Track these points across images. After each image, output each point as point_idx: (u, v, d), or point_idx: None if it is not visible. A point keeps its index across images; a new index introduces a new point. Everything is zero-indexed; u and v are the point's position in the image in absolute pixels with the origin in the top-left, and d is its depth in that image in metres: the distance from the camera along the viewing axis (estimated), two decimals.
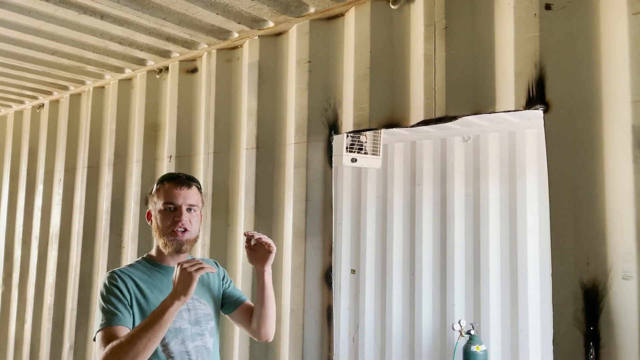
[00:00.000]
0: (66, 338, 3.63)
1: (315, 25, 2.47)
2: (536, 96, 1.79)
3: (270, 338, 2.00)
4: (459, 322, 4.18)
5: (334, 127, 2.41)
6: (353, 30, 2.35)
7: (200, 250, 2.82)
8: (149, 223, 1.91)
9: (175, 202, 1.82)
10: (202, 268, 1.64)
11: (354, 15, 2.34)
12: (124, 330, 1.64)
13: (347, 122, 2.35)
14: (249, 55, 2.74)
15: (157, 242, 1.86)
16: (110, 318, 1.65)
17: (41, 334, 3.87)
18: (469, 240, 4.42)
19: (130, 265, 1.86)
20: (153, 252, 1.90)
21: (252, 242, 1.94)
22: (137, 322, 1.70)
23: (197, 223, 1.88)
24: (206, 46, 2.89)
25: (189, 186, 1.87)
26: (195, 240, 1.88)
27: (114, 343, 1.57)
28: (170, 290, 1.75)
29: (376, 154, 3.95)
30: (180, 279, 1.62)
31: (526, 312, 4.03)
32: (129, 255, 3.26)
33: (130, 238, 3.28)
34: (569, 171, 1.71)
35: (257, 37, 2.69)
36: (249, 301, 2.07)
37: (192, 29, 2.63)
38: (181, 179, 1.87)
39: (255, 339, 2.02)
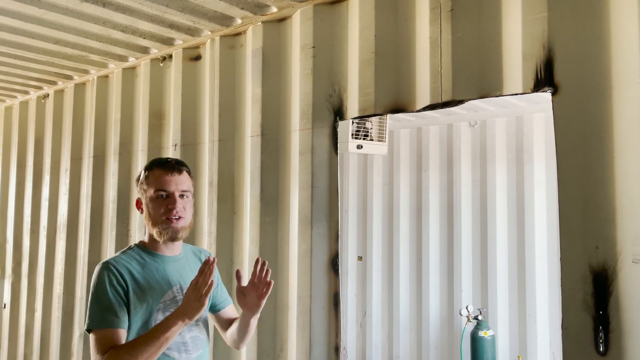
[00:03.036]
0: (76, 326, 3.66)
1: (319, 9, 2.44)
2: (544, 78, 1.76)
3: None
4: (467, 308, 4.18)
5: (339, 113, 2.39)
6: (357, 14, 2.32)
7: (207, 239, 2.83)
8: (139, 212, 1.85)
9: (168, 189, 1.75)
10: (209, 288, 1.61)
11: None
12: (120, 334, 1.63)
13: (352, 107, 2.33)
14: (252, 41, 2.72)
15: (150, 230, 1.79)
16: (106, 319, 1.63)
17: (51, 322, 3.91)
18: (476, 225, 4.40)
19: (124, 253, 1.80)
20: (145, 238, 1.84)
21: (243, 284, 1.83)
22: (134, 312, 1.68)
23: (190, 209, 1.82)
24: (209, 33, 2.86)
25: (180, 171, 1.80)
26: (189, 226, 1.82)
27: (113, 352, 1.56)
28: (164, 279, 1.76)
29: (382, 141, 3.93)
30: (190, 302, 1.60)
31: (534, 297, 4.02)
32: None
33: (137, 227, 3.29)
34: (577, 154, 1.69)
35: (260, 23, 2.66)
36: (230, 307, 2.05)
37: (195, 15, 2.61)
38: (171, 164, 1.80)
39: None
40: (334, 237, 2.37)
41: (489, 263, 4.26)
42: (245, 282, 1.84)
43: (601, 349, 1.59)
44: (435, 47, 2.05)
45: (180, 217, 1.76)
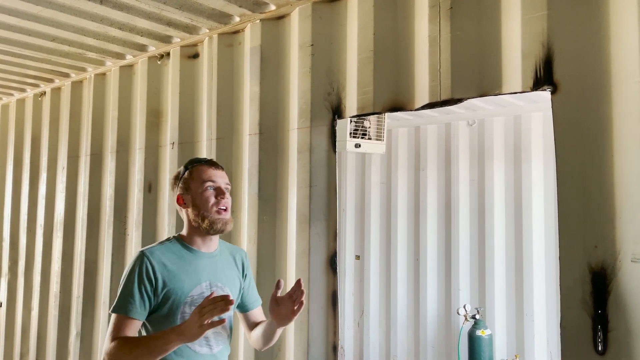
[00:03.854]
0: (72, 325, 3.65)
1: (317, 7, 2.43)
2: (544, 77, 1.76)
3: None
4: (464, 307, 4.18)
5: (337, 112, 2.38)
6: (356, 12, 2.31)
7: None
8: (181, 207, 1.88)
9: (216, 181, 1.85)
10: (213, 324, 1.56)
11: None
12: (133, 324, 1.72)
13: (351, 106, 2.32)
14: (250, 39, 2.71)
15: (199, 223, 1.82)
16: (125, 307, 1.72)
17: (48, 321, 3.89)
18: (473, 224, 4.40)
19: (161, 244, 1.88)
20: (184, 232, 1.90)
21: (279, 293, 1.83)
22: (161, 302, 1.74)
23: (230, 204, 1.91)
24: (207, 31, 2.85)
25: (221, 168, 1.92)
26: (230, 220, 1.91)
27: (117, 345, 1.65)
28: (196, 274, 1.82)
29: (380, 139, 3.92)
30: (191, 325, 1.59)
31: (531, 296, 4.02)
32: (134, 242, 3.26)
33: (134, 225, 3.28)
34: (577, 153, 1.68)
35: (258, 20, 2.65)
36: (259, 309, 2.07)
37: (193, 13, 2.60)
38: (213, 162, 1.93)
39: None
40: (332, 235, 2.37)
41: (487, 262, 4.26)
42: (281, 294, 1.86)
43: (600, 348, 1.59)
44: (434, 46, 2.05)
45: (226, 209, 1.85)
